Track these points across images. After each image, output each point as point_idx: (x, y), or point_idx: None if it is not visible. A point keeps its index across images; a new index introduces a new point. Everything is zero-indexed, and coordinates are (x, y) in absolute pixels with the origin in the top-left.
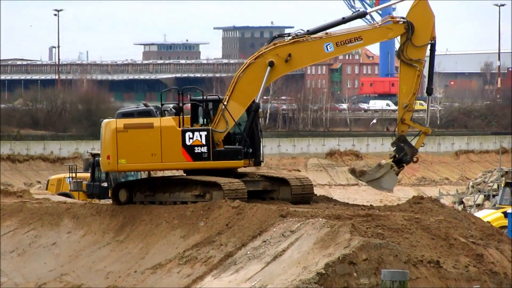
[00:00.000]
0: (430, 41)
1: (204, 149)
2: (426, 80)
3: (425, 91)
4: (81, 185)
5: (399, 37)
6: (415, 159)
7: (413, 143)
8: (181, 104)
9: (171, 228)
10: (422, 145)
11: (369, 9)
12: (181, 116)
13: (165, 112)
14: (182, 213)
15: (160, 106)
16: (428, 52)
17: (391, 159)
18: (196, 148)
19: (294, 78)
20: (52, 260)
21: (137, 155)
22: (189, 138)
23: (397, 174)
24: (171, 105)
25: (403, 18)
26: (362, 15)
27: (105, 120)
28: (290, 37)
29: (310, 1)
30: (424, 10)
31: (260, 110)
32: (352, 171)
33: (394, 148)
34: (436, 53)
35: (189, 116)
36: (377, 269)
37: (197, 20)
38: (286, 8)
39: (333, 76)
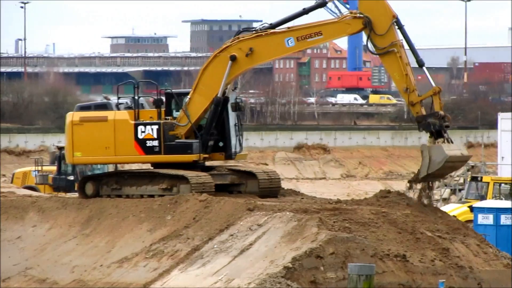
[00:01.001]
0: (392, 22)
1: (156, 143)
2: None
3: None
4: (47, 178)
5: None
6: (446, 120)
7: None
8: (136, 97)
9: (138, 221)
10: (441, 103)
11: None
12: (136, 110)
13: (121, 105)
14: (149, 206)
15: (129, 99)
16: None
17: (431, 138)
18: (148, 141)
19: (262, 72)
20: (17, 254)
21: (91, 148)
22: (141, 132)
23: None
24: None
25: (360, 13)
26: (321, 4)
27: (68, 113)
28: (254, 31)
29: None
30: None
31: (242, 104)
32: (409, 186)
33: (423, 129)
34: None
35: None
36: (344, 263)
37: (165, 13)
38: (255, 1)
39: (301, 70)
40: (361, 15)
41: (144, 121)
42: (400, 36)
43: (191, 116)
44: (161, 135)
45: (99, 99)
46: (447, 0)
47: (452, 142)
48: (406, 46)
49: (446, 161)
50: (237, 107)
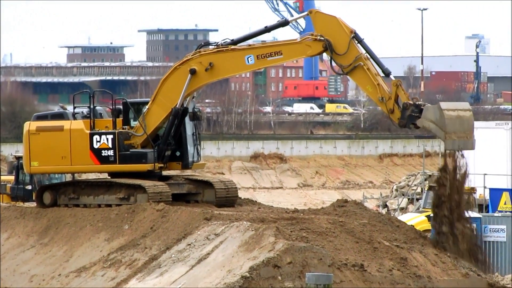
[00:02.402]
0: (351, 38)
1: (111, 152)
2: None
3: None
4: (5, 188)
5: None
6: (417, 101)
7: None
8: (91, 106)
9: (95, 231)
10: (405, 93)
11: (290, 18)
12: (92, 119)
13: (77, 114)
14: (107, 215)
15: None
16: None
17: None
18: (103, 151)
19: (218, 81)
20: None
21: (48, 158)
22: (97, 141)
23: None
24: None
25: (321, 36)
26: (284, 23)
27: (26, 123)
28: (215, 46)
29: (234, 4)
30: (324, 19)
31: (200, 113)
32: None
33: (412, 124)
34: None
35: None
36: (302, 272)
37: (121, 22)
38: (211, 10)
39: (257, 79)
40: (321, 38)
41: (100, 131)
42: (362, 50)
43: (149, 126)
44: (116, 144)
45: (56, 108)
46: (403, 9)
47: None
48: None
49: (441, 109)
50: (195, 117)
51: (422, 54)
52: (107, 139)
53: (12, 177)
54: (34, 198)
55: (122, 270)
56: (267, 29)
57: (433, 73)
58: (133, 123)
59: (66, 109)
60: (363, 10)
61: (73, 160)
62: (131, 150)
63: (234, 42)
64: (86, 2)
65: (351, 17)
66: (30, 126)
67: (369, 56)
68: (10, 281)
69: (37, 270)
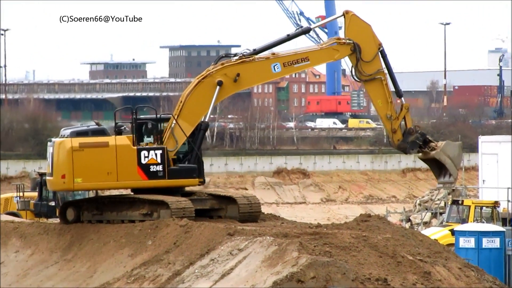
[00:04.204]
0: (378, 50)
1: (160, 168)
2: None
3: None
4: (28, 204)
5: (346, 58)
6: (418, 129)
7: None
8: (134, 123)
9: (119, 246)
10: (411, 119)
11: (312, 25)
12: (135, 135)
13: (121, 130)
14: (130, 231)
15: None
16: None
17: (420, 150)
18: (151, 166)
19: (240, 97)
20: None
21: (93, 174)
22: (145, 157)
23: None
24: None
25: (349, 39)
26: (306, 31)
27: (57, 139)
28: (237, 57)
29: (256, 20)
30: (359, 24)
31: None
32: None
33: (411, 150)
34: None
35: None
36: (325, 287)
37: (143, 39)
38: (233, 27)
39: (280, 94)
40: (350, 41)
41: (147, 146)
42: (383, 65)
43: (179, 141)
44: (164, 159)
45: (78, 124)
46: (426, 24)
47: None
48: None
49: (461, 148)
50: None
51: (445, 68)
52: (156, 154)
53: (35, 194)
54: (57, 214)
55: (146, 285)
56: (289, 38)
57: (456, 87)
58: (146, 140)
59: (101, 125)
60: (387, 24)
61: (120, 176)
62: (179, 165)
63: (256, 52)
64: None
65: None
66: (72, 142)
67: (386, 73)
68: None
69: (61, 286)
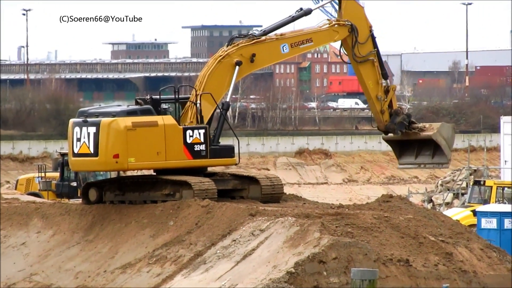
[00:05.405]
0: (370, 32)
1: (203, 147)
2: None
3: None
4: (50, 185)
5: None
6: (406, 112)
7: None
8: (177, 102)
9: (140, 227)
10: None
11: (313, 7)
12: (178, 115)
13: (165, 109)
14: (152, 212)
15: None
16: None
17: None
18: (196, 146)
19: (262, 77)
20: (21, 260)
21: (144, 154)
22: (190, 136)
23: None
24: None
25: (347, 21)
26: (307, 12)
27: (104, 119)
28: (247, 37)
29: (278, 1)
30: (354, 7)
31: None
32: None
33: (399, 131)
34: (404, 51)
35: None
36: (347, 267)
37: (165, 19)
38: (254, 7)
39: (301, 74)
40: (348, 23)
41: (192, 126)
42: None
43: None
44: (207, 139)
45: (96, 105)
46: (448, 4)
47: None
48: None
49: (454, 129)
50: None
51: (467, 48)
52: (199, 133)
53: (57, 174)
54: (79, 194)
55: (168, 266)
56: (293, 19)
57: (478, 67)
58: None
59: (143, 104)
60: (409, 5)
61: (168, 156)
62: (219, 144)
63: (266, 33)
64: (130, 2)
65: (394, 15)
66: (126, 122)
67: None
68: (56, 277)
69: (82, 266)
